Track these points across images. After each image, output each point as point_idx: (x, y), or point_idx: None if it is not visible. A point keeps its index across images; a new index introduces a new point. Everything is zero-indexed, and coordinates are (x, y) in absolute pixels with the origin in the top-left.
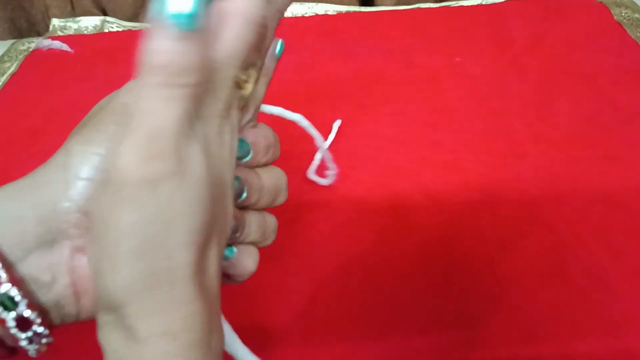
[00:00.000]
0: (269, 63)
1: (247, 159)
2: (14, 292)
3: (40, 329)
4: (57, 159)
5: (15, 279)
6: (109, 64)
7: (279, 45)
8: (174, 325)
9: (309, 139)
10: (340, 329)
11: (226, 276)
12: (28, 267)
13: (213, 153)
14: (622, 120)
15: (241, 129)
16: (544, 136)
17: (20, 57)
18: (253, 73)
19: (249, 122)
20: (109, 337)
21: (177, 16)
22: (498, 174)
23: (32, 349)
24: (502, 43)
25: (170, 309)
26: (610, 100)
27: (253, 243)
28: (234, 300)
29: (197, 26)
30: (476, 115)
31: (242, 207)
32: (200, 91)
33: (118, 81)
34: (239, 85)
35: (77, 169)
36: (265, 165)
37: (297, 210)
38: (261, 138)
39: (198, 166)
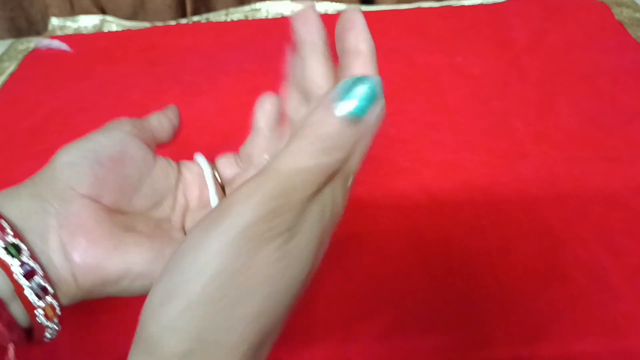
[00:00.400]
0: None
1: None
2: (17, 241)
3: (44, 282)
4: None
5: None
6: (109, 64)
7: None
8: None
9: None
10: (340, 329)
11: None
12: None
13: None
14: (623, 120)
15: None
16: (544, 136)
17: (20, 56)
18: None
19: None
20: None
21: (360, 100)
22: (498, 173)
23: (39, 306)
24: (503, 42)
25: None
26: (611, 100)
27: None
28: None
29: (365, 116)
30: (477, 115)
31: None
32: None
33: (117, 81)
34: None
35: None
36: None
37: None
38: None
39: (312, 232)
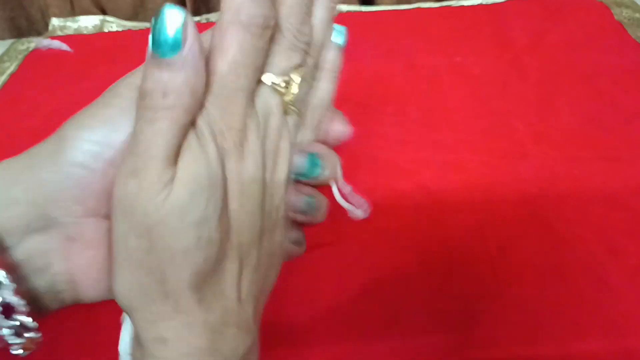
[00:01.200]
0: (330, 56)
1: (316, 175)
2: (1, 276)
3: (26, 319)
4: (50, 142)
5: (6, 264)
6: (109, 64)
7: (339, 33)
8: (166, 333)
9: None
10: (340, 329)
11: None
12: (22, 251)
13: (230, 166)
14: (623, 120)
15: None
16: (544, 136)
17: (20, 56)
18: (295, 76)
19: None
20: (127, 339)
21: (160, 46)
22: (498, 173)
23: (16, 343)
24: (503, 43)
25: (164, 318)
26: (611, 100)
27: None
28: None
29: (177, 53)
30: (477, 115)
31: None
32: (189, 111)
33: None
34: (278, 91)
35: (70, 155)
36: None
37: None
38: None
39: (189, 182)
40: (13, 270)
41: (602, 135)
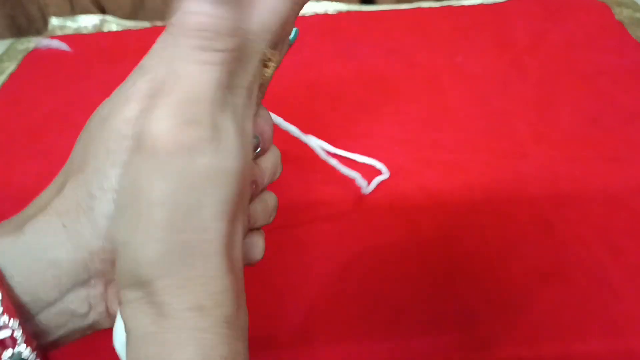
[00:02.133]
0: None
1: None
2: (27, 354)
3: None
4: (79, 196)
5: (29, 338)
6: (108, 64)
7: (293, 31)
8: (206, 301)
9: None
10: (340, 329)
11: None
12: (65, 303)
13: (242, 125)
14: (623, 120)
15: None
16: (545, 136)
17: (19, 56)
18: (277, 54)
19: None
20: (134, 315)
21: None
22: (499, 173)
23: None
24: (503, 42)
25: (202, 282)
26: (612, 100)
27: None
28: None
29: None
30: (477, 114)
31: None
32: (234, 59)
33: (117, 81)
34: (264, 63)
35: (101, 209)
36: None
37: (297, 210)
38: (267, 127)
39: (232, 135)
40: (33, 341)
41: (603, 135)
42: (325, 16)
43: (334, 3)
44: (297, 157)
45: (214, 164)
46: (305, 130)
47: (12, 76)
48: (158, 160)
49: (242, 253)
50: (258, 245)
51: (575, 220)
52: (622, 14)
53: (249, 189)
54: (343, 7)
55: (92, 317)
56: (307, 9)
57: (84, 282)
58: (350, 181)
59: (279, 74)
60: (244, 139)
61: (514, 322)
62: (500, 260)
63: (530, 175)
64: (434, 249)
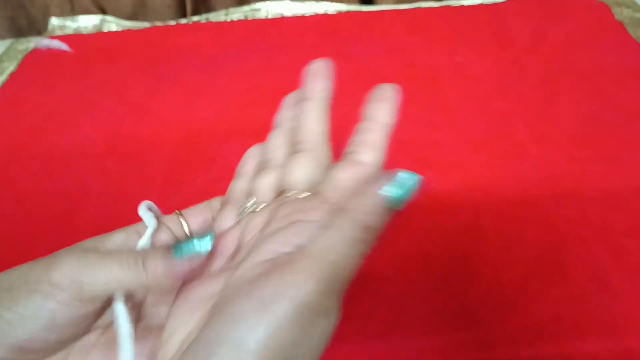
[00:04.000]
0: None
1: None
2: None
3: None
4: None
5: None
6: (108, 64)
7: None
8: None
9: None
10: (341, 329)
11: None
12: None
13: None
14: (623, 120)
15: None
16: (544, 136)
17: (20, 56)
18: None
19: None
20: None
21: (398, 202)
22: (499, 173)
23: None
24: (503, 42)
25: None
26: (611, 100)
27: None
28: None
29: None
30: (477, 115)
31: None
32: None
33: (117, 81)
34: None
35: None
36: None
37: None
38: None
39: None
40: None
41: (603, 135)
42: (325, 16)
43: (334, 3)
44: None
45: None
46: None
47: (12, 76)
48: None
49: None
50: None
51: (575, 219)
52: (622, 14)
53: None
54: (343, 7)
55: None
56: (307, 9)
57: None
58: None
59: (279, 74)
60: None
61: (514, 322)
62: (499, 259)
63: (530, 175)
64: (433, 249)
